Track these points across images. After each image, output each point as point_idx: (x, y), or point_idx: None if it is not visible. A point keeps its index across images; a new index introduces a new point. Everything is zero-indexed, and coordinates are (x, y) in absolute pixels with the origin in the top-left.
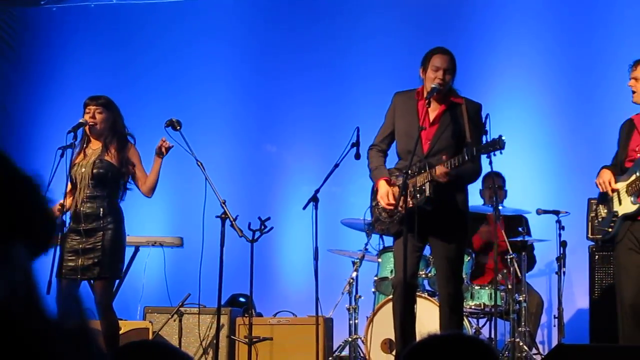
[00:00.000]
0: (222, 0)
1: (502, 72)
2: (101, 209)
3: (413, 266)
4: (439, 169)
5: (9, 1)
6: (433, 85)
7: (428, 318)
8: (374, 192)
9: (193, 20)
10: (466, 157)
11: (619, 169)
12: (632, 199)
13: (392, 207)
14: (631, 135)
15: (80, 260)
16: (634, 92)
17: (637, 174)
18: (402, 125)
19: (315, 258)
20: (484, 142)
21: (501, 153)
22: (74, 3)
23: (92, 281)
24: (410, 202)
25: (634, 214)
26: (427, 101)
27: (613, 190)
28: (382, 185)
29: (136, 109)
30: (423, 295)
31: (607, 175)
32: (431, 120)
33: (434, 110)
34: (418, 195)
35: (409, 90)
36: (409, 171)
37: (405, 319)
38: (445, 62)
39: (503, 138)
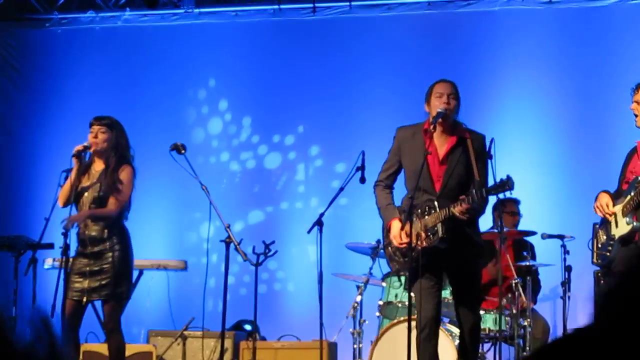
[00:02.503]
0: (228, 24)
1: (508, 96)
2: (105, 231)
3: (437, 305)
4: (459, 209)
5: (14, 23)
6: (439, 110)
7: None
8: (386, 231)
9: (198, 42)
10: (475, 198)
11: (620, 194)
12: (627, 219)
13: (406, 245)
14: (631, 159)
15: (87, 282)
16: (636, 116)
17: (632, 194)
18: (409, 163)
19: (320, 282)
20: (492, 177)
21: (511, 193)
22: (79, 25)
23: (100, 302)
24: (424, 243)
25: (628, 235)
26: (432, 126)
27: (611, 214)
28: (395, 226)
29: (140, 130)
30: None
31: (603, 199)
32: (440, 159)
33: (442, 147)
34: (431, 235)
35: (412, 125)
36: (419, 210)
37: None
38: (448, 87)
39: (512, 179)
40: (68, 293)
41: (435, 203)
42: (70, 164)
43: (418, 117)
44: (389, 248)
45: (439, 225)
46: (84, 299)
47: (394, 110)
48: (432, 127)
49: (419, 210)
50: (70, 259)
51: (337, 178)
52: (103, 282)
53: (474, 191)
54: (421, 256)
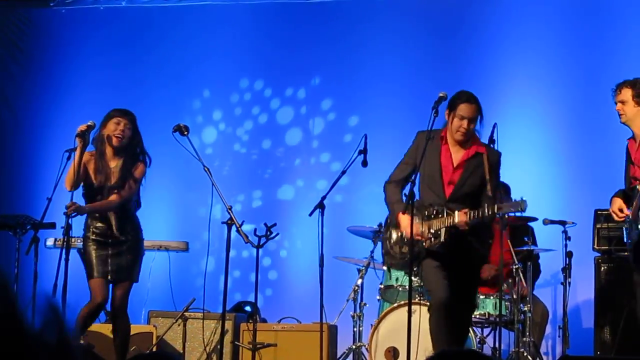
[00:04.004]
0: (231, 5)
1: (511, 83)
2: (118, 225)
3: (447, 286)
4: (461, 217)
5: (18, 2)
6: (458, 139)
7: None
8: (388, 225)
9: (202, 22)
10: (487, 213)
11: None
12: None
13: (421, 238)
14: (628, 164)
15: (108, 264)
16: (620, 115)
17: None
18: (425, 166)
19: (321, 265)
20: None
21: (522, 214)
22: (83, 5)
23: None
24: (425, 244)
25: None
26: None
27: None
28: (404, 218)
29: (143, 110)
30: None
31: (615, 204)
32: (455, 166)
33: (457, 155)
34: (433, 238)
35: (432, 130)
36: (425, 212)
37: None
38: (471, 111)
39: (526, 202)
40: (94, 273)
41: (444, 208)
42: (74, 144)
43: (430, 71)
44: (387, 242)
45: (443, 230)
46: (109, 277)
47: (396, 90)
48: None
49: (426, 212)
50: (82, 238)
51: (350, 132)
52: (121, 265)
53: (486, 206)
54: (425, 254)
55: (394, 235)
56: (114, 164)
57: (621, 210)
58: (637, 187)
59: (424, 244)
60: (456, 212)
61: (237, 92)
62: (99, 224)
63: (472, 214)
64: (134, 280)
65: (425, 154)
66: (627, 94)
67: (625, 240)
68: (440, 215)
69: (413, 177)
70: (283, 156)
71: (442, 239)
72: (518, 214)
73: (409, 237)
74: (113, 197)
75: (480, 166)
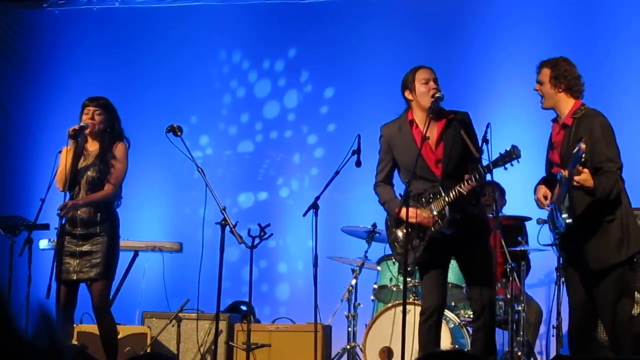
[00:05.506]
0: (224, 5)
1: (504, 83)
2: (99, 215)
3: (444, 293)
4: (467, 187)
5: (11, 3)
6: (437, 96)
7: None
8: (389, 227)
9: (194, 23)
10: (482, 174)
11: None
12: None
13: (430, 221)
14: (549, 148)
15: (77, 262)
16: (542, 101)
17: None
18: (403, 156)
19: (315, 265)
20: (488, 161)
21: (518, 162)
22: (77, 6)
23: (89, 283)
24: (435, 227)
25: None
26: (431, 112)
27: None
28: (404, 211)
29: (137, 110)
30: (417, 302)
31: (540, 192)
32: (434, 144)
33: (432, 132)
34: (440, 220)
35: (394, 120)
36: (423, 199)
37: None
38: (431, 73)
39: (518, 147)
40: (60, 275)
41: (440, 188)
42: (67, 144)
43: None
44: (396, 244)
45: (447, 209)
46: (75, 277)
47: (390, 91)
48: (430, 113)
49: (423, 199)
50: (56, 239)
51: (326, 104)
52: (94, 262)
53: (479, 167)
54: (430, 245)
55: (400, 234)
56: (92, 147)
57: (546, 198)
58: (560, 172)
59: (432, 228)
60: (458, 188)
61: (229, 92)
62: (80, 215)
63: (473, 178)
64: (108, 279)
65: (399, 145)
66: (545, 74)
67: (551, 229)
68: (438, 196)
69: (405, 190)
70: (265, 130)
71: (449, 216)
72: (515, 214)
73: (417, 222)
74: (107, 188)
75: (457, 133)
